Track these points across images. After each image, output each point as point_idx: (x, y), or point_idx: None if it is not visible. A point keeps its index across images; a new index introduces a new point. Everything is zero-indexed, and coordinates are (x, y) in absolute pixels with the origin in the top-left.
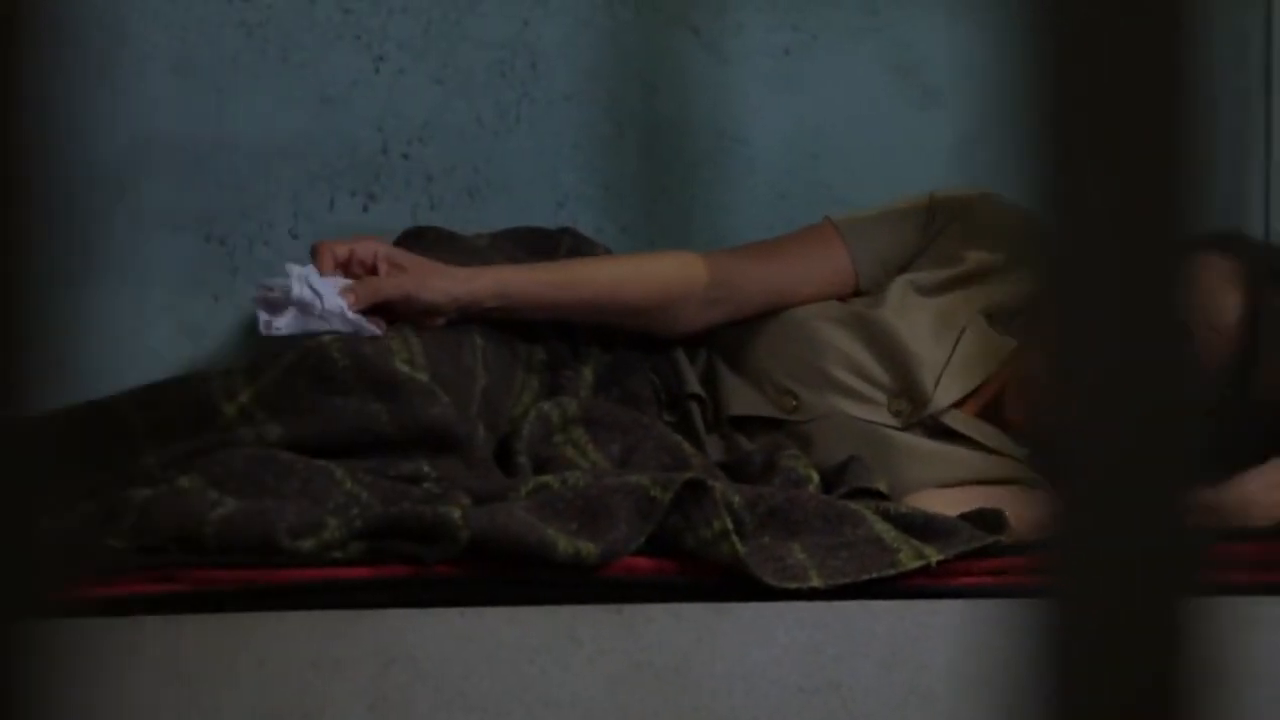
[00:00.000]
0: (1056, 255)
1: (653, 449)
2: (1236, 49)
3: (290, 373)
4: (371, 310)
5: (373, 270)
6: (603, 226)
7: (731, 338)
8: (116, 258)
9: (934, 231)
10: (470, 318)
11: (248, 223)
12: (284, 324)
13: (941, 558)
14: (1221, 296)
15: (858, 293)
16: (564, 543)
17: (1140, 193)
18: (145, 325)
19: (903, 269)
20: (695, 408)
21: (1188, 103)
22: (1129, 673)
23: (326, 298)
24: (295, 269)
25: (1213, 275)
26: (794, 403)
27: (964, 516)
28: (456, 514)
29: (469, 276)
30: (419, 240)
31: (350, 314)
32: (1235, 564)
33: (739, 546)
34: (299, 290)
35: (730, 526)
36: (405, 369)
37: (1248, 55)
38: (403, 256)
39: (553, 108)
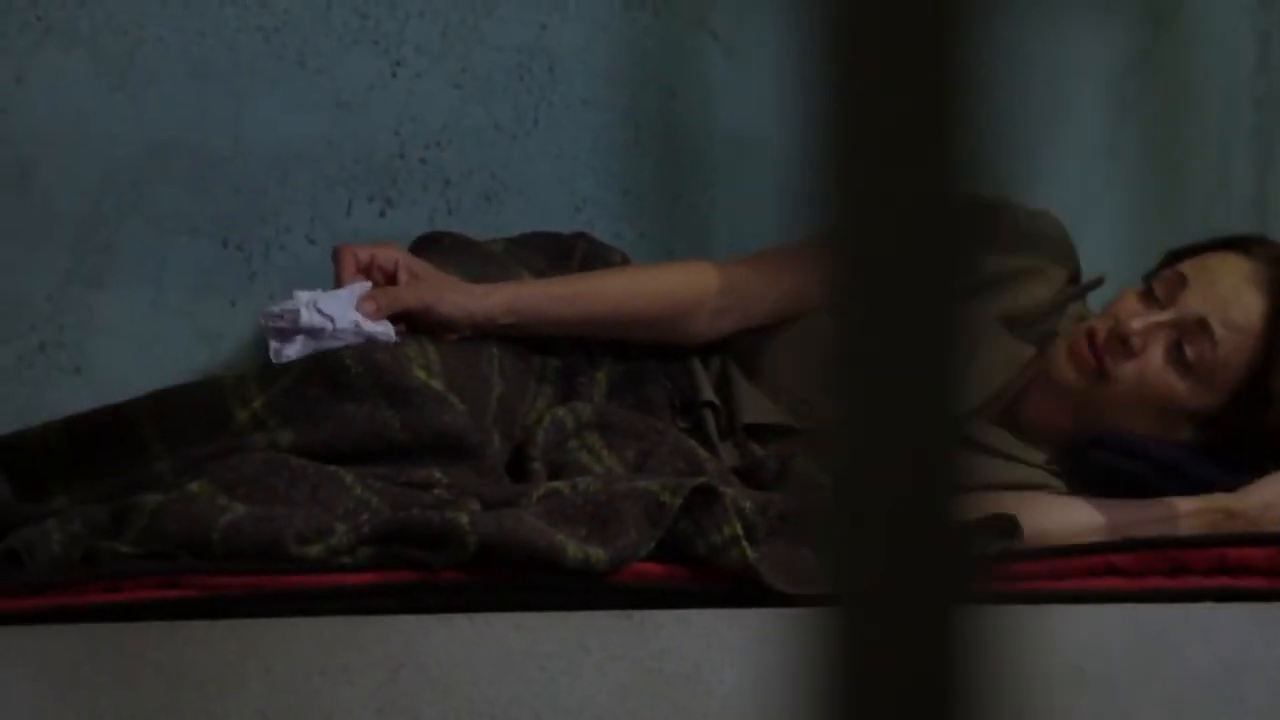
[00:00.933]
0: (836, 263)
1: (667, 454)
2: (1259, 49)
3: (303, 379)
4: (390, 319)
5: (393, 277)
6: (621, 232)
7: (747, 345)
8: (133, 263)
9: None
10: (485, 334)
11: (264, 228)
12: (295, 351)
13: None
14: (1244, 298)
15: None
16: (573, 548)
17: (917, 193)
18: (162, 330)
19: None
20: (709, 415)
21: (961, 114)
22: (910, 683)
23: (338, 318)
24: (303, 296)
25: (1235, 277)
26: (809, 410)
27: (978, 521)
28: (465, 519)
29: (484, 293)
30: (434, 246)
31: (365, 326)
32: (1253, 569)
33: (749, 552)
34: (308, 318)
35: (740, 532)
36: (421, 375)
37: (1269, 55)
38: (420, 267)
39: (570, 112)
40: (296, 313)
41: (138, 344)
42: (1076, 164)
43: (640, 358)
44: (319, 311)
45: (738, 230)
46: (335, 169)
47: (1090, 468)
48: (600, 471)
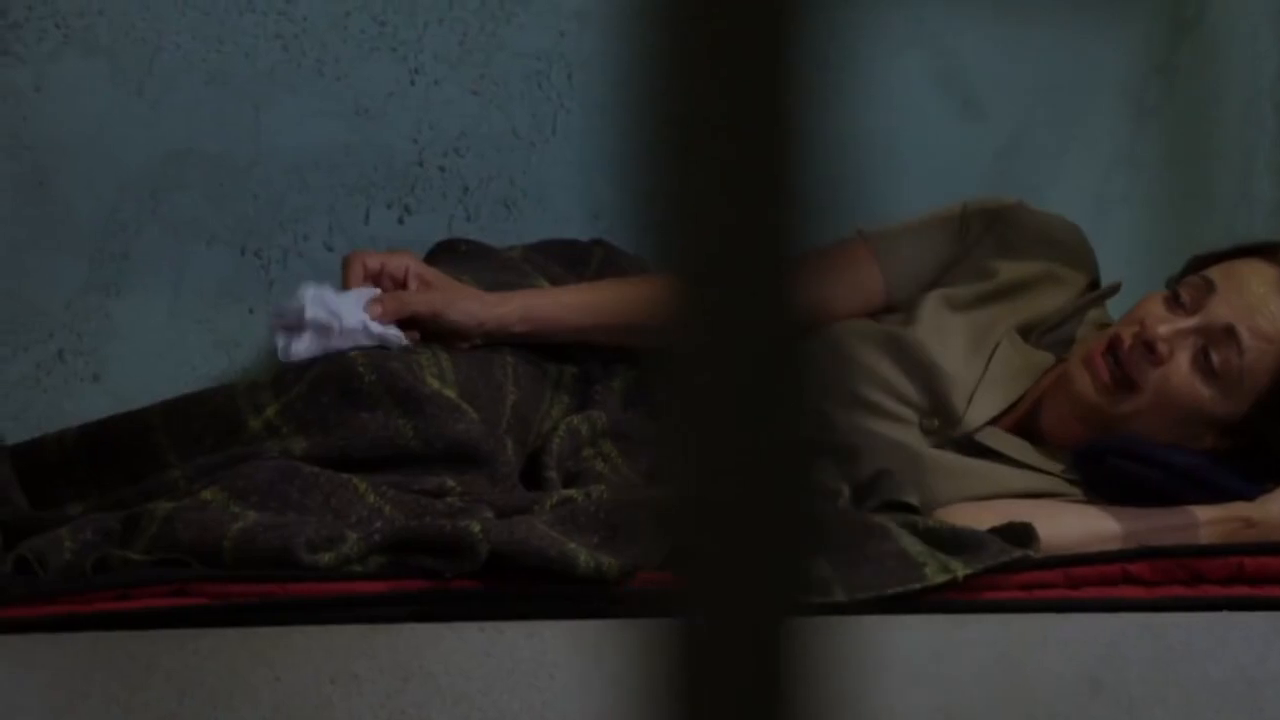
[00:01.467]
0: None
1: None
2: (1245, 47)
3: (315, 387)
4: (400, 325)
5: (403, 285)
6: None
7: None
8: (152, 270)
9: (969, 243)
10: (498, 342)
11: (283, 235)
12: (303, 348)
13: (969, 572)
14: (1271, 306)
15: (889, 308)
16: (585, 557)
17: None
18: (181, 337)
19: (935, 281)
20: None
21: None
22: (745, 694)
23: (345, 315)
24: (309, 291)
25: (1263, 284)
26: (823, 421)
27: (993, 530)
28: (476, 528)
29: (497, 302)
30: (451, 252)
31: (375, 328)
32: (1272, 578)
33: None
34: (313, 312)
35: None
36: (435, 384)
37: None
38: (433, 275)
39: (589, 119)
40: (302, 308)
41: (156, 351)
42: (1096, 170)
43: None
44: (326, 308)
45: None
46: (354, 176)
47: (1107, 475)
48: (615, 480)
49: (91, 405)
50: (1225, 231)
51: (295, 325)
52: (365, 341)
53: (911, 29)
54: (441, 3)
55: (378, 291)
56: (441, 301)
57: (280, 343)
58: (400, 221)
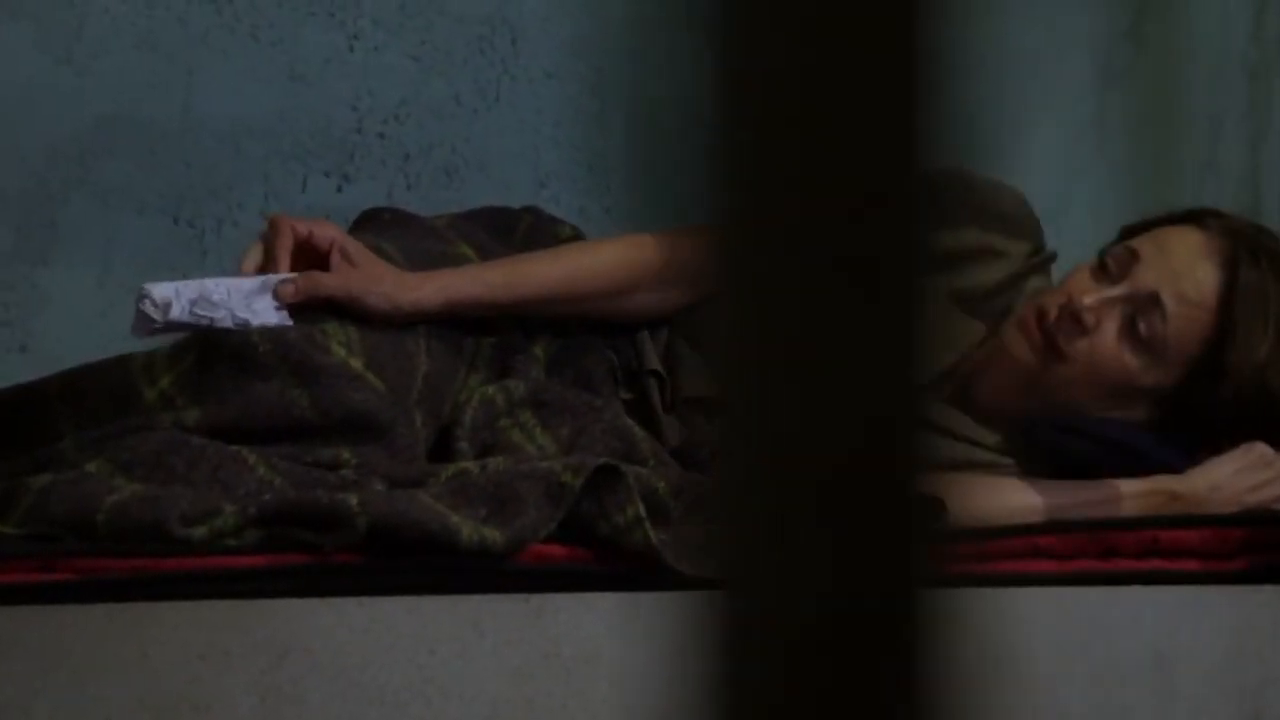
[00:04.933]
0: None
1: (601, 433)
2: (1253, 19)
3: (210, 357)
4: (313, 307)
5: (324, 259)
6: (586, 207)
7: (694, 318)
8: (80, 239)
9: None
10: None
11: (217, 204)
12: (150, 330)
13: None
14: (1197, 272)
15: None
16: (469, 530)
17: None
18: (110, 308)
19: None
20: (654, 385)
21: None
22: (796, 671)
23: (223, 318)
24: (209, 284)
25: (1188, 250)
26: None
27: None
28: (354, 500)
29: (416, 284)
30: (374, 221)
31: (256, 321)
32: (1188, 551)
33: (651, 535)
34: (179, 313)
35: (643, 514)
36: (341, 352)
37: (1263, 25)
38: (358, 253)
39: (534, 85)
40: (169, 305)
41: (85, 322)
42: (1062, 136)
43: (583, 330)
44: (194, 312)
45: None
46: (290, 144)
47: (1040, 448)
48: (533, 451)
49: (18, 376)
50: (1194, 198)
51: (152, 319)
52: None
53: None
54: None
55: (283, 277)
56: (358, 286)
57: (136, 321)
58: (339, 190)
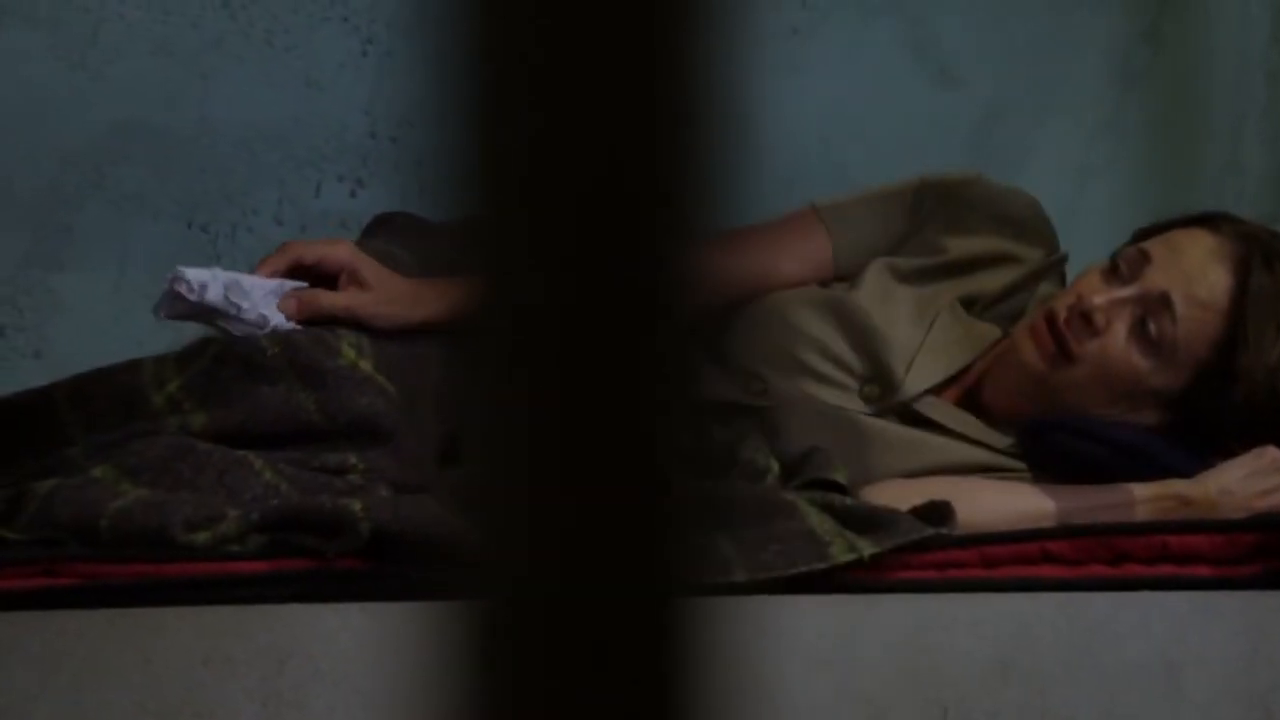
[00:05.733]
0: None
1: None
2: (1273, 21)
3: (218, 361)
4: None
5: (332, 282)
6: None
7: (710, 322)
8: (95, 245)
9: (921, 217)
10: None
11: (231, 209)
12: (179, 315)
13: (876, 551)
14: (1209, 274)
15: (839, 279)
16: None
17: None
18: (125, 313)
19: (887, 255)
20: None
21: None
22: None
23: (248, 309)
24: (222, 275)
25: (1200, 252)
26: (762, 386)
27: (914, 509)
28: (357, 506)
29: (429, 299)
30: (386, 226)
31: (273, 321)
32: (1198, 557)
33: None
34: (216, 295)
35: None
36: (351, 354)
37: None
38: (369, 271)
39: None
40: (205, 286)
41: (99, 327)
42: (1078, 139)
43: None
44: (228, 298)
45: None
46: (304, 149)
47: (1051, 452)
48: None
49: (33, 382)
50: (1214, 201)
51: (186, 299)
52: (258, 333)
53: None
54: None
55: (298, 285)
56: (365, 307)
57: (163, 303)
58: (352, 195)
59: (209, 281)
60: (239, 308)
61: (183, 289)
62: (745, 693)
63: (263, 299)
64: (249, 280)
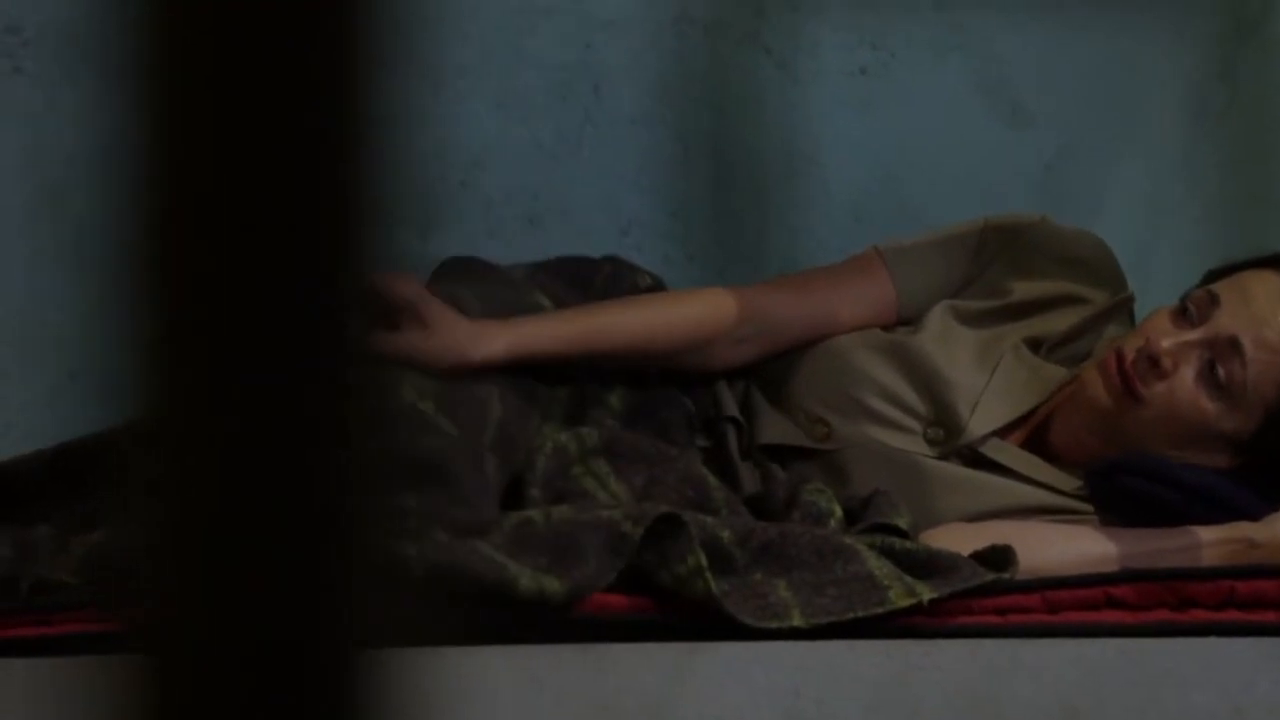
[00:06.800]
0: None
1: (675, 481)
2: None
3: None
4: None
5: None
6: (669, 253)
7: (770, 367)
8: None
9: (985, 260)
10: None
11: None
12: None
13: (935, 595)
14: (1279, 318)
15: (902, 322)
16: (527, 580)
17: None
18: None
19: (952, 297)
20: (731, 431)
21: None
22: None
23: None
24: None
25: (1270, 295)
26: (825, 430)
27: (976, 554)
28: (410, 551)
29: (486, 339)
30: (452, 270)
31: None
32: (1265, 603)
33: (712, 584)
34: None
35: (704, 563)
36: (411, 395)
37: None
38: (433, 311)
39: (616, 131)
40: None
41: None
42: (1151, 178)
43: (660, 379)
44: None
45: (792, 250)
46: None
47: (1119, 494)
48: (605, 498)
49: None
50: None
51: None
52: None
53: (954, 34)
54: (461, 15)
55: None
56: (427, 352)
57: None
58: (421, 238)
59: None
60: None
61: None
62: None
63: None
64: None
